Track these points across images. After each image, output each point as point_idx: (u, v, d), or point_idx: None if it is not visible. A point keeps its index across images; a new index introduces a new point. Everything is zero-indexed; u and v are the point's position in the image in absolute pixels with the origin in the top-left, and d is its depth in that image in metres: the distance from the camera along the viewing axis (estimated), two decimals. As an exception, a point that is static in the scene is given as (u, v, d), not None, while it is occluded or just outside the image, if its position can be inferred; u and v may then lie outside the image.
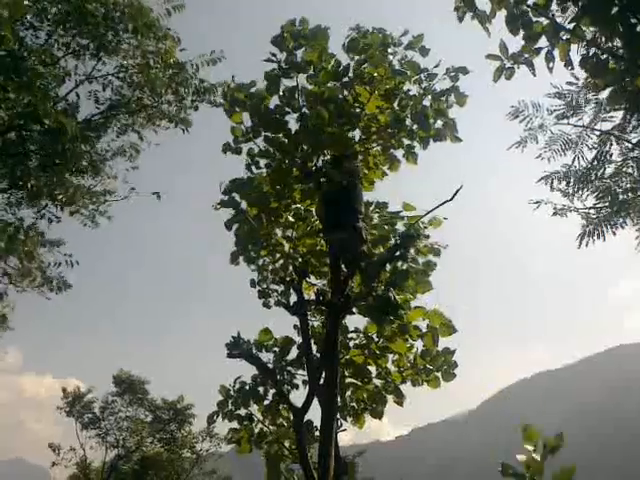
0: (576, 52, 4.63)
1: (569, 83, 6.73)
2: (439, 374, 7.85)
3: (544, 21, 4.50)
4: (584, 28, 4.39)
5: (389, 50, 7.93)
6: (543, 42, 4.58)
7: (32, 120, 8.77)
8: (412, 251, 7.48)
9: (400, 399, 8.06)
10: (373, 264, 7.40)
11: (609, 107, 6.50)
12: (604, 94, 6.54)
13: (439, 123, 8.16)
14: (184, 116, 11.13)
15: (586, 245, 7.03)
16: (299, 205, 8.39)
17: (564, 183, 7.33)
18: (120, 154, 11.14)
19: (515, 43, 4.98)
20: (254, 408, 8.40)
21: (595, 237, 7.07)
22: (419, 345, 7.87)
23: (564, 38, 4.49)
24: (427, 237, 7.58)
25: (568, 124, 7.10)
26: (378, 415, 8.15)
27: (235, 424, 8.38)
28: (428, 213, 7.56)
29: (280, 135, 8.08)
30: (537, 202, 7.42)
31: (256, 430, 8.38)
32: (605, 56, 4.46)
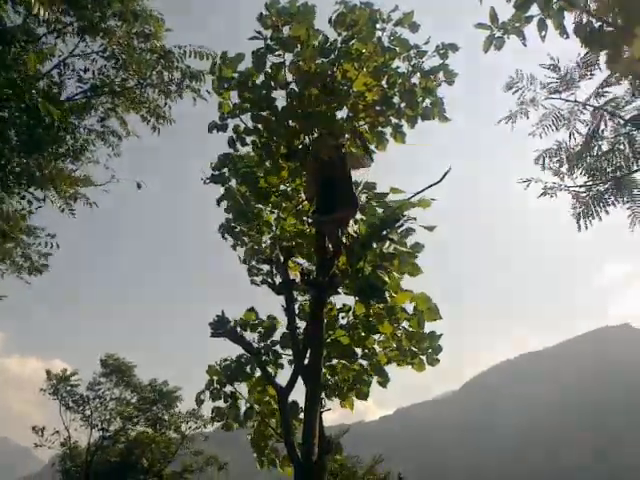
0: (571, 22, 4.51)
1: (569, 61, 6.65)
2: (424, 357, 7.84)
3: None
4: None
5: (378, 26, 7.79)
6: (535, 10, 4.45)
7: (15, 99, 8.50)
8: (399, 232, 7.44)
9: (384, 380, 8.06)
10: (358, 244, 7.34)
11: (609, 81, 6.42)
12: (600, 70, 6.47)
13: (427, 102, 8.08)
14: (166, 112, 10.89)
15: (586, 227, 6.97)
16: (286, 185, 8.32)
17: (555, 161, 7.26)
18: (102, 139, 10.87)
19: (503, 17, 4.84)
20: (241, 387, 8.41)
21: (590, 217, 7.02)
22: (406, 326, 7.86)
23: (557, 6, 4.35)
24: (414, 219, 7.51)
25: (560, 99, 7.01)
26: (363, 396, 8.16)
27: (221, 403, 8.38)
28: (416, 195, 7.49)
29: (267, 113, 7.95)
30: (526, 181, 7.33)
31: (242, 408, 8.38)
32: (599, 24, 4.35)
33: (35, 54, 8.61)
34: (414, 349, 7.85)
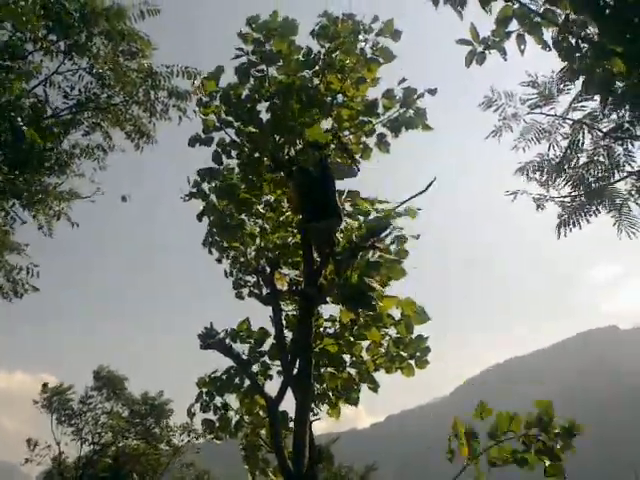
0: (550, 37, 4.64)
1: (544, 75, 6.86)
2: (412, 362, 7.88)
3: (515, 5, 4.48)
4: (557, 12, 4.39)
5: (360, 37, 7.88)
6: (515, 25, 4.57)
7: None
8: (386, 241, 7.51)
9: (374, 387, 8.08)
10: (345, 253, 7.40)
11: (583, 95, 6.62)
12: (578, 84, 6.68)
13: (410, 112, 8.17)
14: (150, 130, 10.90)
15: (565, 235, 7.18)
16: (269, 196, 8.36)
17: (539, 173, 7.47)
18: (87, 154, 10.87)
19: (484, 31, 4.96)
20: (231, 398, 8.40)
21: (571, 226, 7.21)
22: (392, 333, 7.89)
23: (535, 21, 4.47)
24: (400, 228, 7.58)
25: (541, 113, 7.21)
26: (353, 402, 8.17)
27: (211, 415, 8.36)
28: (402, 204, 7.58)
29: (250, 127, 8.00)
30: (513, 193, 7.54)
31: (233, 420, 8.37)
32: (575, 40, 4.47)
33: (22, 75, 8.60)
34: (402, 354, 7.87)
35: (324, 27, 7.88)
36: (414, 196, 7.52)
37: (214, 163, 8.19)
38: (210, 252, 8.32)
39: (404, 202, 7.58)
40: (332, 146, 8.20)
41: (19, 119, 8.24)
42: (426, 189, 7.43)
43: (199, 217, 8.21)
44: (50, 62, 9.81)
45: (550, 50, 4.75)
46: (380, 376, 8.11)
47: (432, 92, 8.01)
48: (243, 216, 8.25)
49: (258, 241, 8.29)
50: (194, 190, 8.16)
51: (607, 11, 3.92)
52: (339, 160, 8.33)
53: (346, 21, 7.89)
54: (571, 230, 7.26)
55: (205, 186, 8.19)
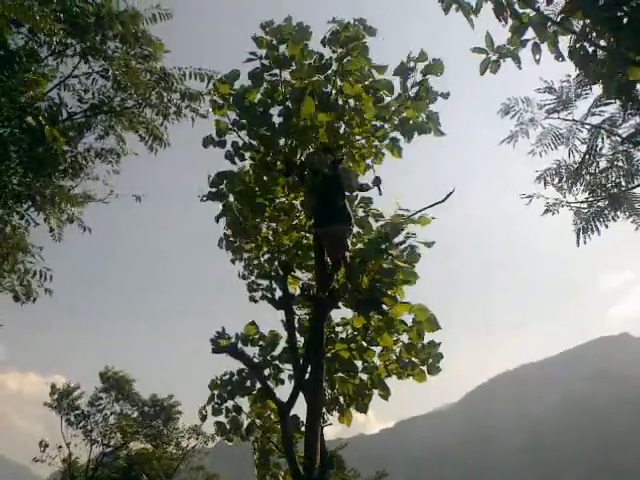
0: (566, 45, 4.63)
1: (562, 81, 6.83)
2: (424, 368, 7.85)
3: (531, 13, 4.47)
4: (572, 20, 4.39)
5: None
6: (530, 34, 4.56)
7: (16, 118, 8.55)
8: (399, 247, 7.50)
9: (385, 393, 8.06)
10: (357, 259, 7.40)
11: (602, 100, 6.59)
12: (595, 88, 6.64)
13: (422, 116, 8.17)
14: (163, 134, 10.94)
15: (585, 242, 7.12)
16: (283, 199, 8.38)
17: (557, 179, 7.43)
18: (101, 157, 10.93)
19: (501, 38, 4.96)
20: (242, 400, 8.42)
21: (589, 232, 7.15)
22: (405, 339, 7.88)
23: (551, 30, 4.47)
24: (414, 235, 7.57)
25: (558, 118, 7.18)
26: (363, 409, 8.15)
27: (222, 418, 8.38)
28: (418, 212, 7.56)
29: (264, 129, 8.04)
30: (529, 197, 7.49)
31: (245, 423, 8.41)
32: (592, 48, 4.46)
33: (41, 76, 8.69)
34: (414, 360, 7.85)
35: (335, 33, 7.93)
36: (431, 205, 7.48)
37: (227, 161, 8.27)
38: (220, 245, 8.35)
39: (420, 211, 7.55)
40: (344, 150, 8.24)
41: (40, 118, 8.29)
42: (445, 199, 7.37)
43: (217, 219, 8.28)
44: (64, 65, 9.91)
45: (563, 60, 4.74)
46: (389, 382, 8.08)
47: (445, 96, 8.00)
48: (258, 220, 8.30)
49: (272, 243, 8.33)
50: (213, 190, 8.22)
51: (625, 21, 3.90)
52: (351, 164, 8.35)
53: (357, 27, 7.93)
54: (590, 237, 7.21)
55: (223, 187, 8.25)
